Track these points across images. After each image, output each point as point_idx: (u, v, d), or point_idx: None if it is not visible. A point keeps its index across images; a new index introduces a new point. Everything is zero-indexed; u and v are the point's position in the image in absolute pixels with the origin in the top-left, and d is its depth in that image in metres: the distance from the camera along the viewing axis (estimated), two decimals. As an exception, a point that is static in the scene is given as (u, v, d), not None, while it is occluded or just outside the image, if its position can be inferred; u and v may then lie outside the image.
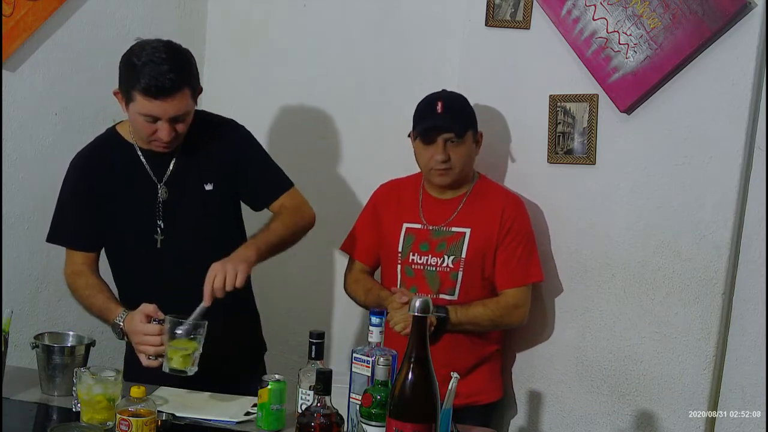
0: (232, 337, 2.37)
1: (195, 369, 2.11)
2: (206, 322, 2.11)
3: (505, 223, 2.64)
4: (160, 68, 2.15)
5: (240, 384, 2.34)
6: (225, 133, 2.43)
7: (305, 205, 2.49)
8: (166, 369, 2.10)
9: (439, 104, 2.60)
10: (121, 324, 2.23)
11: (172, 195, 2.36)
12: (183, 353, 2.09)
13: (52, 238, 2.45)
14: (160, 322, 2.13)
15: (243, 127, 2.48)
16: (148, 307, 2.17)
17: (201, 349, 2.11)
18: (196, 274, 2.27)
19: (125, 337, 2.25)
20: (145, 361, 2.16)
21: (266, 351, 2.66)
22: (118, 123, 2.43)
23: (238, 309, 2.44)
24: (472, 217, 2.66)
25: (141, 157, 2.36)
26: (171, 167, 2.36)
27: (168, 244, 2.37)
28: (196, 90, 2.28)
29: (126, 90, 2.21)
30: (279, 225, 2.39)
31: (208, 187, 2.37)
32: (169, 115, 2.20)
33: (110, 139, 2.41)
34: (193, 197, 2.37)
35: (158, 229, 2.36)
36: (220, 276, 2.15)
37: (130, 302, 2.29)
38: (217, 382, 2.27)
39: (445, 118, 2.59)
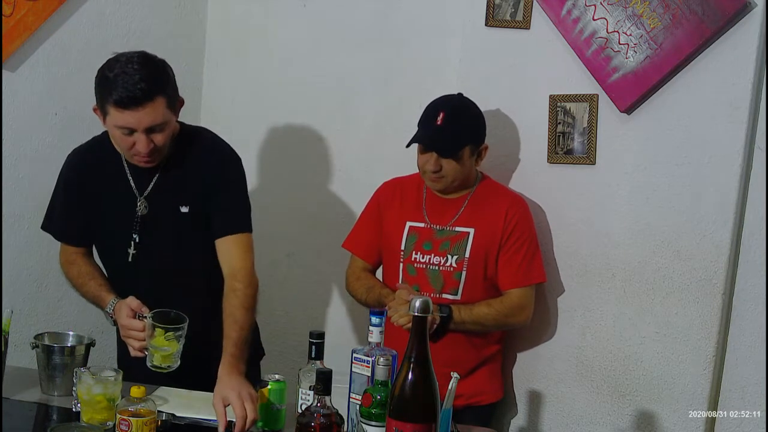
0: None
1: (176, 365, 2.15)
2: (186, 324, 2.13)
3: (509, 224, 2.64)
4: (132, 78, 2.11)
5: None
6: (211, 155, 2.36)
7: (252, 268, 2.33)
8: (149, 364, 2.14)
9: (441, 115, 2.57)
10: (112, 313, 2.27)
11: (150, 211, 2.33)
12: (163, 353, 2.12)
13: (45, 226, 2.47)
14: (144, 317, 2.16)
15: (234, 152, 2.40)
16: (133, 302, 2.21)
17: (182, 348, 2.14)
18: (167, 289, 2.29)
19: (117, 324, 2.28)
20: (132, 351, 2.20)
21: (263, 356, 2.64)
22: None
23: None
24: (476, 218, 2.66)
25: (126, 168, 2.34)
26: (153, 182, 2.33)
27: (139, 258, 2.35)
28: (174, 100, 2.23)
29: (101, 104, 2.18)
30: (245, 316, 2.23)
31: (184, 209, 2.32)
32: (144, 126, 2.15)
33: (103, 144, 2.39)
34: (168, 217, 2.34)
35: (132, 242, 2.34)
36: (249, 411, 2.02)
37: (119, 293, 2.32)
38: (215, 383, 2.26)
39: (439, 134, 2.56)
